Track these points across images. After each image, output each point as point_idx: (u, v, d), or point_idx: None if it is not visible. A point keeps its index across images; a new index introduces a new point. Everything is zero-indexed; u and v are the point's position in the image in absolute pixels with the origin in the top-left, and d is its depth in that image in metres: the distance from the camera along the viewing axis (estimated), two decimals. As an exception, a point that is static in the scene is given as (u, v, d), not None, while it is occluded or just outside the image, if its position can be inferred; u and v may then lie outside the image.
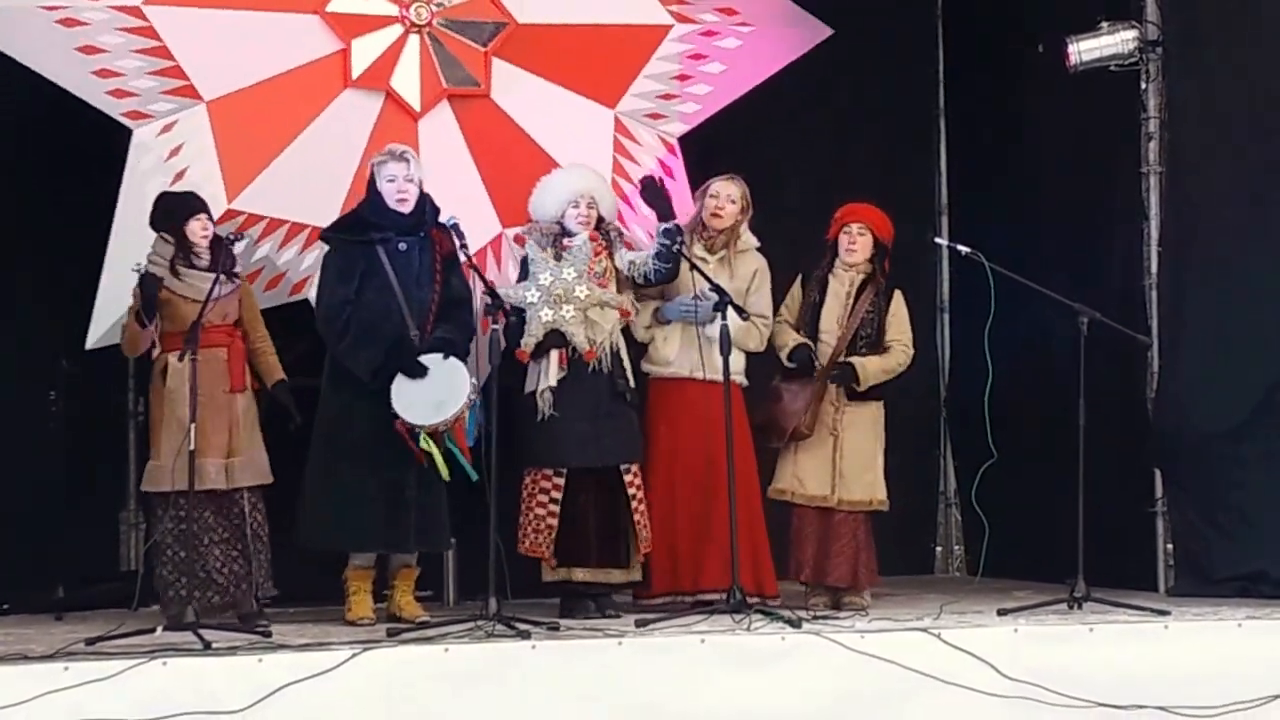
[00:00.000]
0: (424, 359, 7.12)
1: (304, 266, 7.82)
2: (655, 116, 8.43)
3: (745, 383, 7.65)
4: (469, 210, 7.55)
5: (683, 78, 8.46)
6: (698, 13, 8.50)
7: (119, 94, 7.66)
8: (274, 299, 7.75)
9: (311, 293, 7.73)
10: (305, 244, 7.79)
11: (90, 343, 7.57)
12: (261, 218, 7.79)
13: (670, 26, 8.45)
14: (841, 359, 7.59)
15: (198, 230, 7.18)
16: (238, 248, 7.27)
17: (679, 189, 8.15)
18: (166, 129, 7.72)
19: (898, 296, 7.74)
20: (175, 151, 7.72)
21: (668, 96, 8.43)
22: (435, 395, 7.07)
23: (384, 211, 7.28)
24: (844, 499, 7.60)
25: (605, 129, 8.30)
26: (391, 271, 7.21)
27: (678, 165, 8.35)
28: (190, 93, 7.75)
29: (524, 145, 8.13)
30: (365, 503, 7.16)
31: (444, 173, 7.82)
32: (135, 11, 7.69)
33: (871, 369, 7.60)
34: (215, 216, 7.39)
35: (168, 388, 7.07)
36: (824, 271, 7.76)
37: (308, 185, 7.72)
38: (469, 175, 8.04)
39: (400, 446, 7.10)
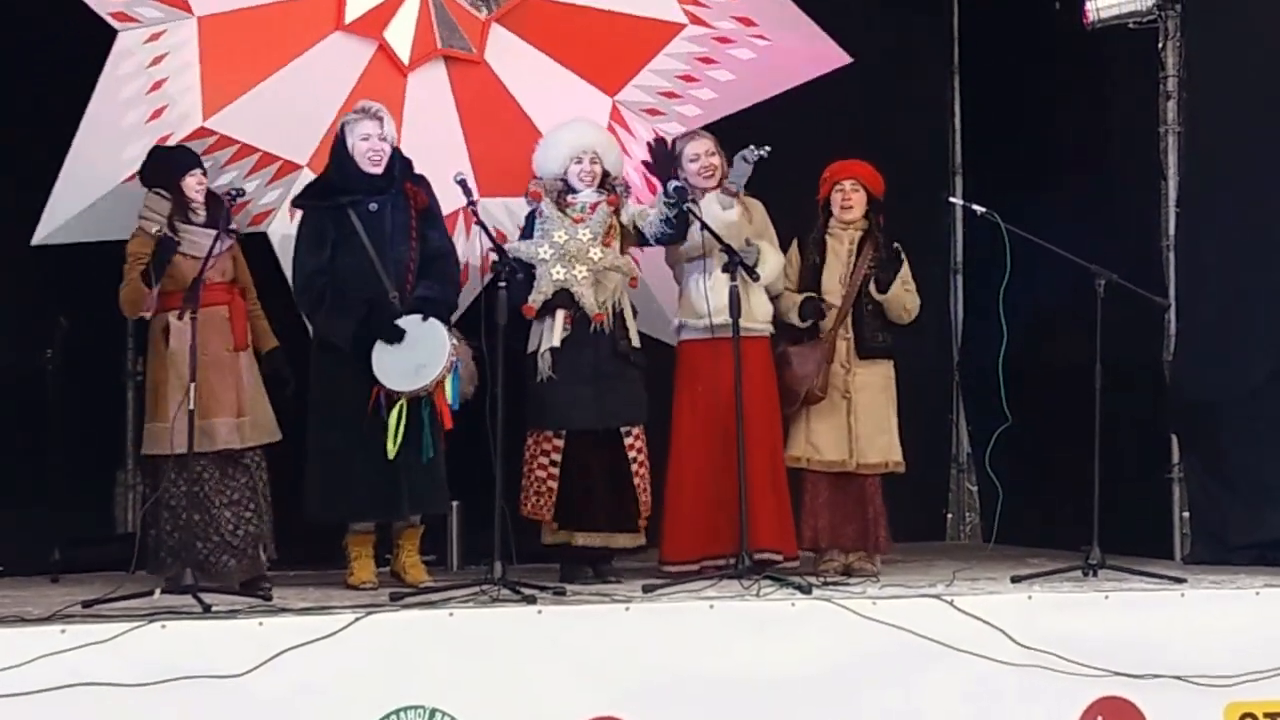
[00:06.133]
0: (402, 321, 7.01)
1: (265, 200, 7.68)
2: (654, 113, 8.33)
3: (773, 330, 7.57)
4: (448, 174, 7.30)
5: (688, 79, 8.37)
6: (714, 18, 8.39)
7: None
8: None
9: (269, 227, 7.66)
10: (273, 177, 7.67)
11: (36, 239, 7.43)
12: (234, 141, 7.65)
13: (683, 26, 8.36)
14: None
15: (193, 185, 7.08)
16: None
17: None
18: (154, 37, 7.59)
19: (898, 250, 7.63)
20: (158, 60, 7.59)
21: (670, 95, 8.35)
22: (415, 359, 6.96)
23: (352, 173, 7.16)
24: (861, 462, 7.55)
25: (600, 114, 8.16)
26: (364, 233, 7.09)
27: None
28: (181, 4, 7.64)
29: (515, 117, 8.03)
30: (355, 473, 7.06)
31: (429, 132, 7.76)
32: (139, -87, 7.56)
33: (895, 289, 7.52)
34: (188, 132, 7.28)
35: (170, 349, 6.95)
36: (820, 232, 7.68)
37: (285, 118, 7.63)
38: (454, 139, 7.93)
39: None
